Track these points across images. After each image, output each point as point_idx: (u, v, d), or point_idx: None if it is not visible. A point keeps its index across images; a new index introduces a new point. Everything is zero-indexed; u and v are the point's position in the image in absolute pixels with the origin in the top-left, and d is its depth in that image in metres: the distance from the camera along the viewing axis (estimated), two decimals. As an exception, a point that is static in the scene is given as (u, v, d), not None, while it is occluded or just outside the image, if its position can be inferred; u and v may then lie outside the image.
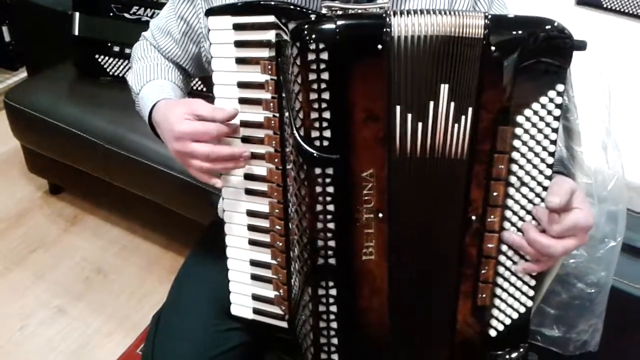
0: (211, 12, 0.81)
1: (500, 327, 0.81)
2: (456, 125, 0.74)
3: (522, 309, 0.81)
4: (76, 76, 1.90)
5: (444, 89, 0.73)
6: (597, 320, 1.11)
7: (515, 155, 0.74)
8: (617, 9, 1.78)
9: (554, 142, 0.74)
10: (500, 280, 0.79)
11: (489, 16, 0.71)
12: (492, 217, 0.76)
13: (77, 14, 1.81)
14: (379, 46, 0.71)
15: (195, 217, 1.71)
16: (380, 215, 0.76)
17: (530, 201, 0.76)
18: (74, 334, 1.70)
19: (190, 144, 0.81)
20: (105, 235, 2.01)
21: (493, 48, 0.71)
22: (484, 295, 0.79)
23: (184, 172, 1.62)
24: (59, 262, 1.91)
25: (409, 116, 0.74)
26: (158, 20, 1.04)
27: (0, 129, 2.08)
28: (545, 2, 1.85)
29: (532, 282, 0.80)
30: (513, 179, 0.75)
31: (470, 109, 0.73)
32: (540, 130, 0.73)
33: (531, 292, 0.80)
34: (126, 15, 1.80)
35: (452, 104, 0.73)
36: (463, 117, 0.74)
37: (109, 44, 1.82)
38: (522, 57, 0.71)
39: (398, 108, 0.73)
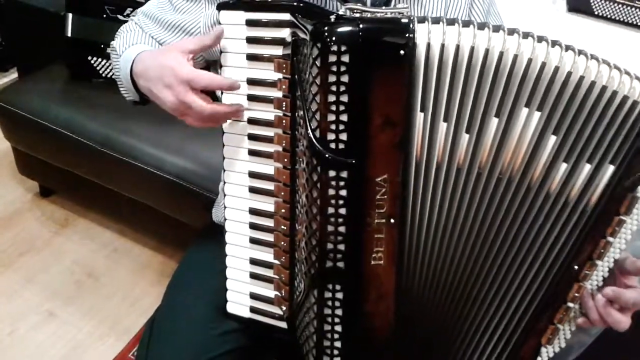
0: (223, 6, 0.80)
1: None
2: (564, 164, 0.74)
3: (557, 349, 0.84)
4: (68, 77, 1.89)
5: (530, 115, 0.72)
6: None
7: (626, 219, 0.76)
8: (608, 16, 1.80)
9: None
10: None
11: None
12: (588, 270, 0.78)
13: (70, 15, 1.79)
14: (402, 51, 0.70)
15: (187, 220, 1.70)
16: (392, 220, 0.76)
17: (609, 264, 0.78)
18: (65, 338, 1.69)
19: (191, 93, 0.80)
20: (97, 239, 1.99)
21: None
22: (550, 336, 0.82)
23: (177, 175, 1.62)
24: (49, 265, 1.89)
25: (443, 125, 0.73)
26: (147, 7, 1.02)
27: (-10, 130, 2.06)
28: (537, 8, 1.87)
29: (574, 327, 0.83)
30: (612, 240, 0.77)
31: (611, 167, 0.73)
32: None
33: (569, 335, 0.83)
34: (119, 16, 1.79)
35: (553, 137, 0.73)
36: (587, 166, 0.74)
37: (102, 46, 1.80)
38: None
39: (422, 115, 0.73)
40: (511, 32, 0.71)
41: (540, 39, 0.71)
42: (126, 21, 1.75)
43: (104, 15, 1.78)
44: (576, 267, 0.78)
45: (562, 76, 0.71)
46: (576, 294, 0.79)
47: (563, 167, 0.74)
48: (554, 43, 0.72)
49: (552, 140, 0.73)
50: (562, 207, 0.76)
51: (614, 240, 0.76)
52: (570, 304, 0.80)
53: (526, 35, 0.71)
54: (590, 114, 0.72)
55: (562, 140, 0.73)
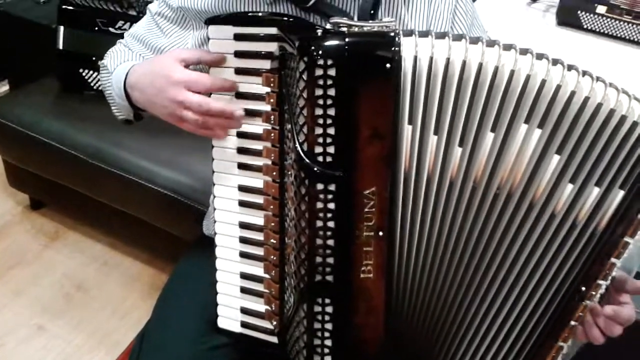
0: (212, 20, 0.80)
1: None
2: (570, 185, 0.73)
3: None
4: (60, 90, 1.88)
5: (530, 132, 0.72)
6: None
7: (631, 241, 0.76)
8: (597, 30, 1.82)
9: None
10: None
11: None
12: (594, 291, 0.77)
13: (61, 28, 1.79)
14: (388, 65, 0.70)
15: (177, 233, 1.69)
16: (381, 233, 0.76)
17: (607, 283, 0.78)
18: (54, 352, 1.67)
19: (184, 91, 0.80)
20: (87, 251, 1.98)
21: None
22: (554, 355, 0.81)
23: (168, 188, 1.61)
24: (39, 278, 1.88)
25: (434, 137, 0.73)
26: (135, 29, 1.03)
27: (-20, 142, 2.04)
28: (526, 22, 1.89)
29: (570, 342, 0.82)
30: (616, 261, 0.76)
31: (621, 192, 0.73)
32: None
33: (566, 350, 0.82)
34: (111, 29, 1.79)
35: (556, 156, 0.72)
36: (596, 189, 0.73)
37: (94, 58, 1.80)
38: None
39: (410, 127, 0.73)
40: (508, 47, 0.71)
41: (540, 56, 0.71)
42: (118, 34, 1.78)
43: (96, 28, 1.78)
44: (584, 288, 0.77)
45: (565, 95, 0.70)
46: (580, 314, 0.79)
47: (569, 187, 0.73)
48: (555, 61, 0.71)
49: (555, 160, 0.73)
50: (570, 228, 0.75)
51: (617, 261, 0.76)
52: (574, 323, 0.79)
53: (524, 51, 0.71)
54: (597, 136, 0.71)
55: (566, 161, 0.72)
